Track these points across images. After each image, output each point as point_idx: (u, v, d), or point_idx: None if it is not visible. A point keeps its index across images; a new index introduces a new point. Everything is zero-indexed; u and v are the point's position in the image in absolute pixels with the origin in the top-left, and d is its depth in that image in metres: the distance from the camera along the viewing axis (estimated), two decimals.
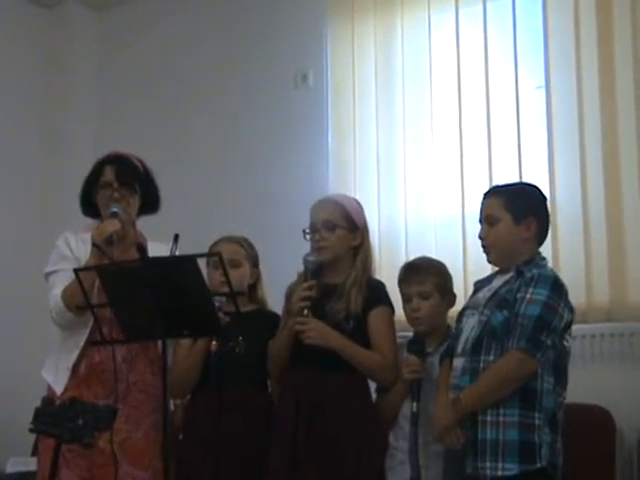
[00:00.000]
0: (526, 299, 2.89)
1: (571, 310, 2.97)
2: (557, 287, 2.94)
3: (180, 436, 3.46)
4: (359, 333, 3.22)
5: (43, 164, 5.52)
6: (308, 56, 4.94)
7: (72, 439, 2.60)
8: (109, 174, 3.37)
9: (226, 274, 3.00)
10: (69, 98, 5.66)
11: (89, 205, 3.46)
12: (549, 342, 2.87)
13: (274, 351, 3.35)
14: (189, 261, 2.87)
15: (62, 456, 3.04)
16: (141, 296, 2.91)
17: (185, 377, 3.39)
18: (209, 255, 3.35)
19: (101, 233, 3.22)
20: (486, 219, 3.08)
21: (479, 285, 3.16)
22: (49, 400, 2.79)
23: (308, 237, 3.34)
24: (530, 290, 2.90)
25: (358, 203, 3.49)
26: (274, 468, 3.19)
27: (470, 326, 3.01)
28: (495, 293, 3.01)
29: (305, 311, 3.20)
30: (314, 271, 3.26)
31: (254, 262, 3.61)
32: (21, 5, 5.58)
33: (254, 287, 3.60)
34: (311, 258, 3.28)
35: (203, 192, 5.16)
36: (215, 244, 3.56)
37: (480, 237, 3.11)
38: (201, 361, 3.37)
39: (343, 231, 3.32)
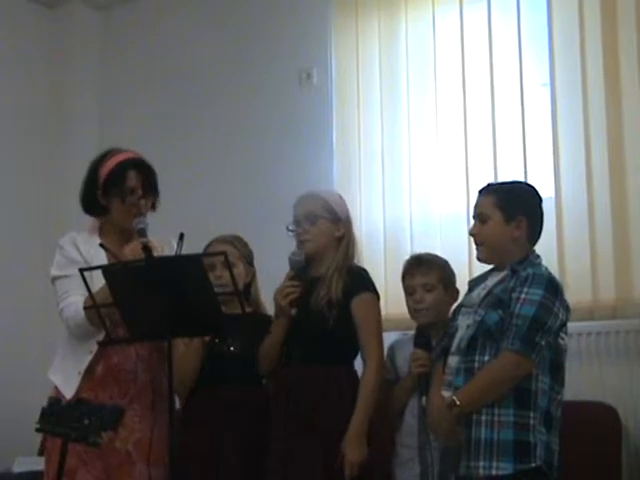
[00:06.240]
0: (521, 299, 2.89)
1: (566, 309, 2.96)
2: (552, 286, 2.93)
3: None
4: (343, 321, 3.20)
5: (46, 163, 5.52)
6: (312, 54, 4.94)
7: (78, 438, 2.61)
8: (134, 180, 3.27)
9: (231, 273, 2.98)
10: (72, 97, 5.66)
11: (92, 203, 3.34)
12: (544, 342, 2.86)
13: (264, 350, 3.32)
14: (195, 261, 2.86)
15: (79, 457, 3.06)
16: (146, 296, 2.89)
17: (184, 375, 3.36)
18: (214, 254, 3.34)
19: (136, 254, 3.09)
20: (478, 216, 3.11)
21: (473, 283, 3.17)
22: (55, 400, 2.80)
23: (292, 234, 3.33)
24: (525, 290, 2.90)
25: (340, 197, 3.49)
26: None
27: (465, 325, 3.01)
28: (490, 292, 3.01)
29: (293, 310, 3.20)
30: (300, 269, 3.26)
31: (248, 260, 3.58)
32: (25, 4, 5.58)
33: (248, 287, 3.57)
34: (296, 255, 3.28)
35: (206, 190, 5.15)
36: (208, 246, 3.54)
37: (470, 233, 3.14)
38: (199, 358, 3.38)
39: (325, 222, 3.31)
